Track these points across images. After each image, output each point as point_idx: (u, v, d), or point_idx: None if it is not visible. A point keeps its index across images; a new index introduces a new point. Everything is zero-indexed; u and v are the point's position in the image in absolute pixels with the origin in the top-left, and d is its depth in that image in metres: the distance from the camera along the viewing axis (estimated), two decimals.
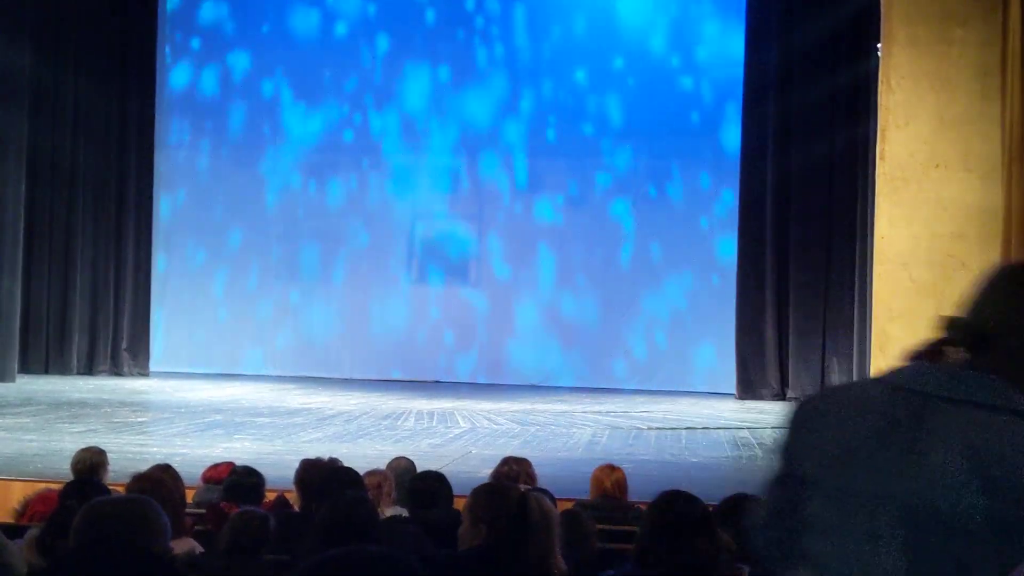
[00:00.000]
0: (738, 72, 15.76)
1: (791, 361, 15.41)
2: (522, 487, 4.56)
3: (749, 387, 15.42)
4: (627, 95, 16.48)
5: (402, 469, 5.90)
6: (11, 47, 14.55)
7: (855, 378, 14.02)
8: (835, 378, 15.24)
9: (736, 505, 3.84)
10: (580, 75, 16.51)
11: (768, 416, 13.49)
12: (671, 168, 16.47)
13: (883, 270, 11.12)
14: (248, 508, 4.45)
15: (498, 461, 5.92)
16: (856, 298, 14.11)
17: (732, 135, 15.91)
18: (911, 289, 10.95)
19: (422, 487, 5.15)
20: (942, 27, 11.04)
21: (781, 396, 15.33)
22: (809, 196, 15.33)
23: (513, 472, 5.61)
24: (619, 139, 16.51)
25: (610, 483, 5.85)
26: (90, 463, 5.85)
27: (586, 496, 6.05)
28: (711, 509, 3.52)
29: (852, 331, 14.49)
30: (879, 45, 11.49)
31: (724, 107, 16.27)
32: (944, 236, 10.96)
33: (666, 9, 16.49)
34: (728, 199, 16.02)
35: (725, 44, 16.20)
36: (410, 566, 1.72)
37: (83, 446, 6.32)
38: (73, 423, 10.94)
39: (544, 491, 5.11)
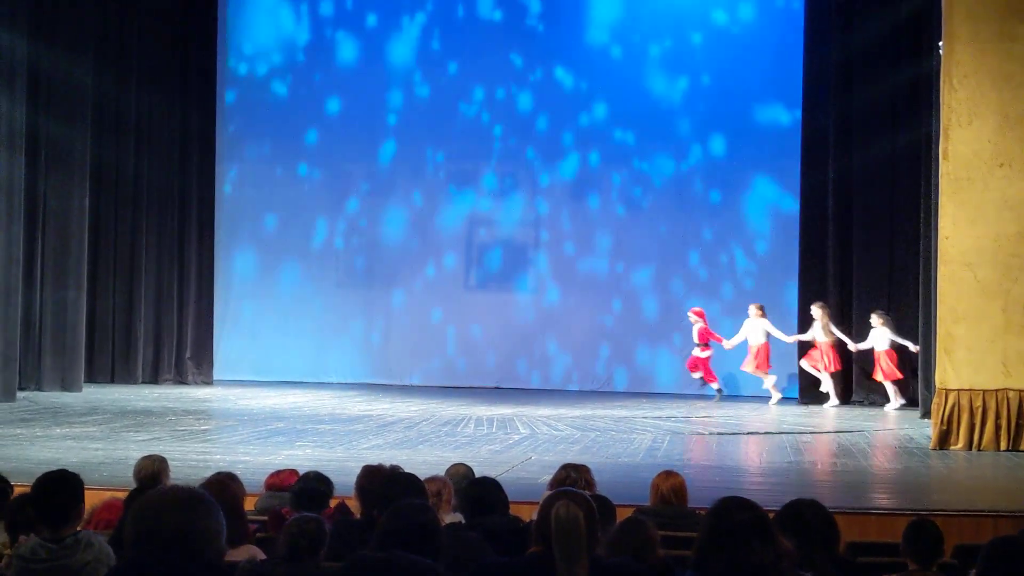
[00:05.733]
0: (797, 73, 15.61)
1: (855, 366, 15.21)
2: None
3: (812, 392, 15.24)
4: (688, 99, 16.42)
5: (460, 476, 5.89)
6: (74, 62, 14.78)
7: (921, 381, 13.78)
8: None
9: (797, 511, 3.76)
10: (638, 84, 16.48)
11: (831, 421, 13.33)
12: (732, 170, 16.36)
13: (947, 271, 10.94)
14: (304, 514, 4.46)
15: (558, 467, 5.86)
16: (920, 300, 13.88)
17: (793, 137, 15.77)
18: (976, 290, 10.77)
19: (477, 494, 5.13)
20: (1005, 24, 10.86)
21: (845, 401, 15.14)
22: (871, 197, 15.13)
23: (571, 479, 5.55)
24: (680, 143, 16.44)
25: (667, 489, 5.79)
26: (152, 471, 5.92)
27: (646, 502, 6.00)
28: (771, 515, 3.46)
29: (916, 334, 14.25)
30: (941, 43, 11.32)
31: (784, 109, 16.13)
32: (1010, 236, 10.76)
33: (724, 13, 16.41)
34: (790, 201, 15.87)
35: (784, 45, 16.08)
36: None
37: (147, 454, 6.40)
38: (138, 432, 11.07)
39: (603, 498, 5.08)
